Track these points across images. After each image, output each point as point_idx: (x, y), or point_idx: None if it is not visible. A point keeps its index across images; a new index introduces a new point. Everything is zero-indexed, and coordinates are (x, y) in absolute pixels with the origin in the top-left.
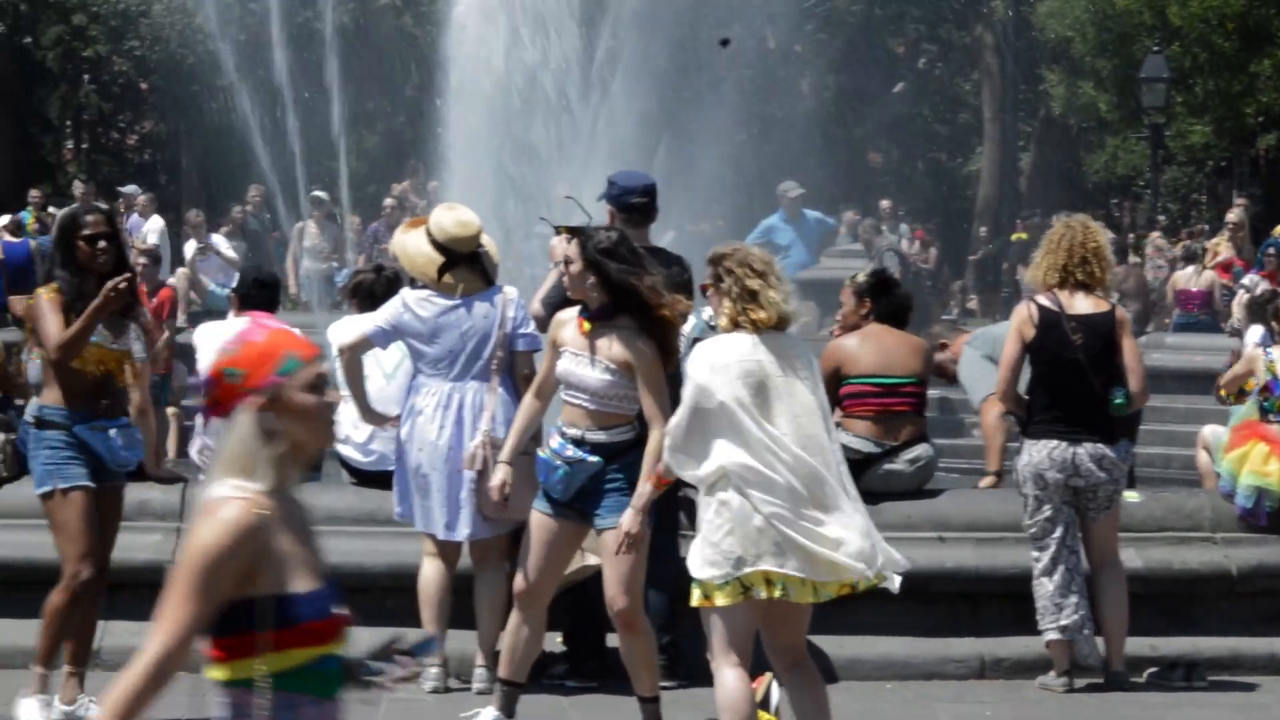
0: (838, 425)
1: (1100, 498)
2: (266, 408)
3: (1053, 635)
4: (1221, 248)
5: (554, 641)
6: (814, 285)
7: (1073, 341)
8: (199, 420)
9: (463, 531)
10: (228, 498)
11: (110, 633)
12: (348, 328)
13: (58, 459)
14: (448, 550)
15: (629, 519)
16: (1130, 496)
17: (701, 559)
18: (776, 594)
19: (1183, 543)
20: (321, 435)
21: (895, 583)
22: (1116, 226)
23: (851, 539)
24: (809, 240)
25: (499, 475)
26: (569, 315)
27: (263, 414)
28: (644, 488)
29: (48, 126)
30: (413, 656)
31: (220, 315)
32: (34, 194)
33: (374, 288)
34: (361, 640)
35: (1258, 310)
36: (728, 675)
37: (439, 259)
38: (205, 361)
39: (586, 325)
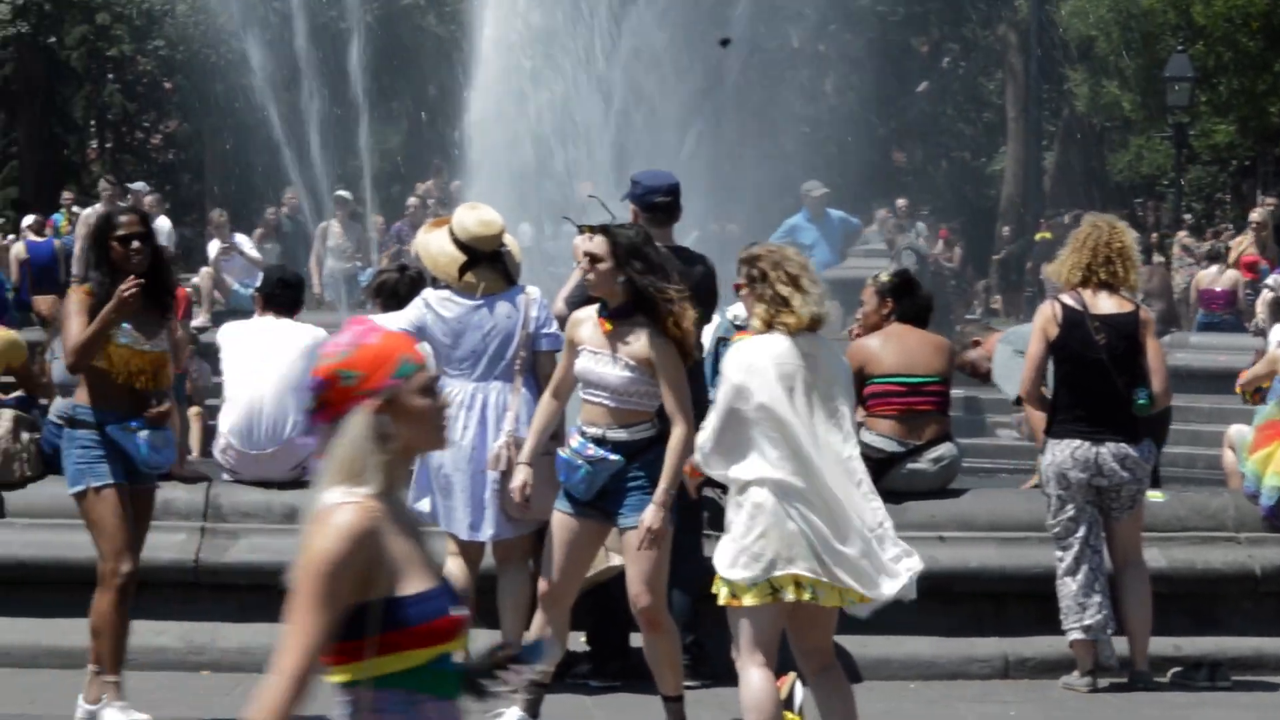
0: (860, 425)
1: (1123, 497)
2: (383, 411)
3: (1076, 635)
4: (1245, 247)
5: (578, 641)
6: (838, 285)
7: (1096, 341)
8: (222, 419)
9: (486, 532)
10: (339, 503)
11: (134, 632)
12: None
13: (89, 458)
14: (471, 550)
15: (651, 515)
16: (1154, 496)
17: (731, 559)
18: (805, 597)
19: (1206, 543)
20: (434, 438)
21: (864, 610)
22: (1140, 226)
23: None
24: (833, 239)
25: (519, 476)
26: (586, 314)
27: (379, 417)
28: (665, 484)
29: (72, 126)
30: (523, 662)
31: (244, 315)
32: (66, 196)
33: (397, 287)
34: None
35: None
36: (753, 675)
37: (461, 258)
38: (239, 361)
39: (608, 324)
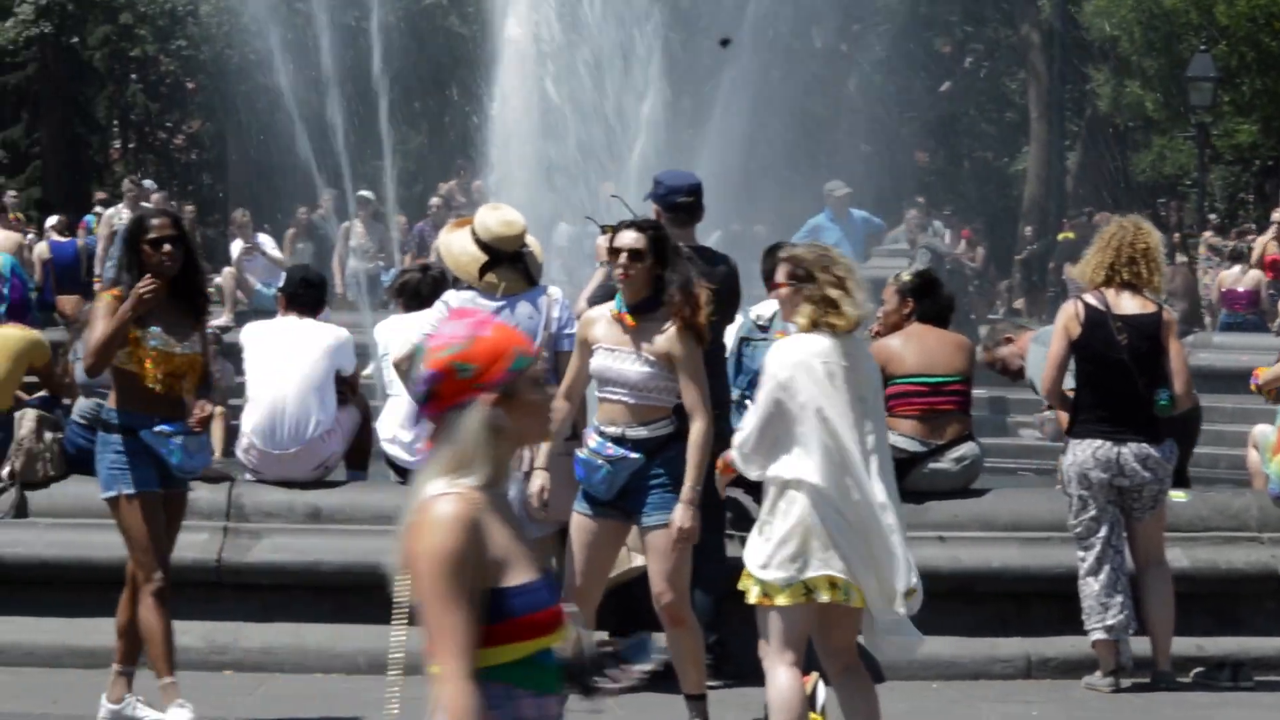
0: None
1: (1145, 497)
2: (498, 404)
3: (1099, 635)
4: (1269, 246)
5: (600, 640)
6: None
7: (1118, 341)
8: (244, 419)
9: None
10: (442, 494)
11: None
12: (394, 327)
13: (122, 464)
14: None
15: (682, 514)
16: (1177, 496)
17: (765, 558)
18: (840, 598)
19: (1229, 543)
20: (543, 431)
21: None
22: (1163, 226)
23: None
24: (855, 239)
25: (536, 481)
26: (599, 313)
27: (494, 411)
28: (692, 481)
29: (95, 126)
30: (627, 661)
31: (267, 314)
32: (99, 196)
33: (420, 287)
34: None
35: None
36: (781, 675)
37: (483, 258)
38: (262, 361)
39: (631, 319)
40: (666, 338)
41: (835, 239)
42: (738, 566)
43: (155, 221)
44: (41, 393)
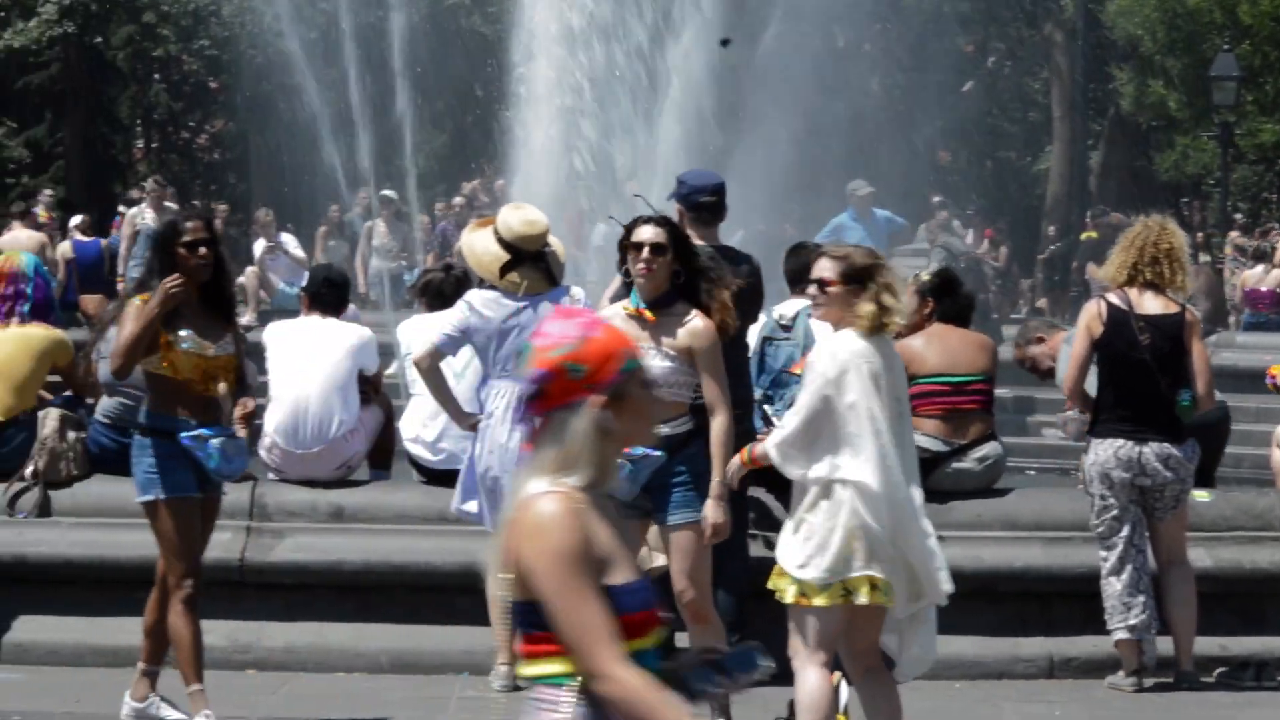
0: None
1: (1167, 497)
2: (607, 405)
3: (1121, 635)
4: None
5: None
6: None
7: (1140, 341)
8: (267, 418)
9: None
10: (545, 492)
11: None
12: (417, 327)
13: (160, 468)
14: None
15: (713, 510)
16: (1200, 496)
17: (804, 558)
18: (881, 599)
19: (1253, 542)
20: (649, 433)
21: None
22: (1187, 225)
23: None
24: (878, 239)
25: None
26: (612, 311)
27: (603, 412)
28: (719, 476)
29: (118, 126)
30: (733, 668)
31: (290, 314)
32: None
33: (443, 287)
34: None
35: None
36: (812, 675)
37: (505, 257)
38: (285, 360)
39: (650, 314)
40: (687, 331)
41: (858, 238)
42: (760, 565)
43: (189, 225)
44: (65, 392)
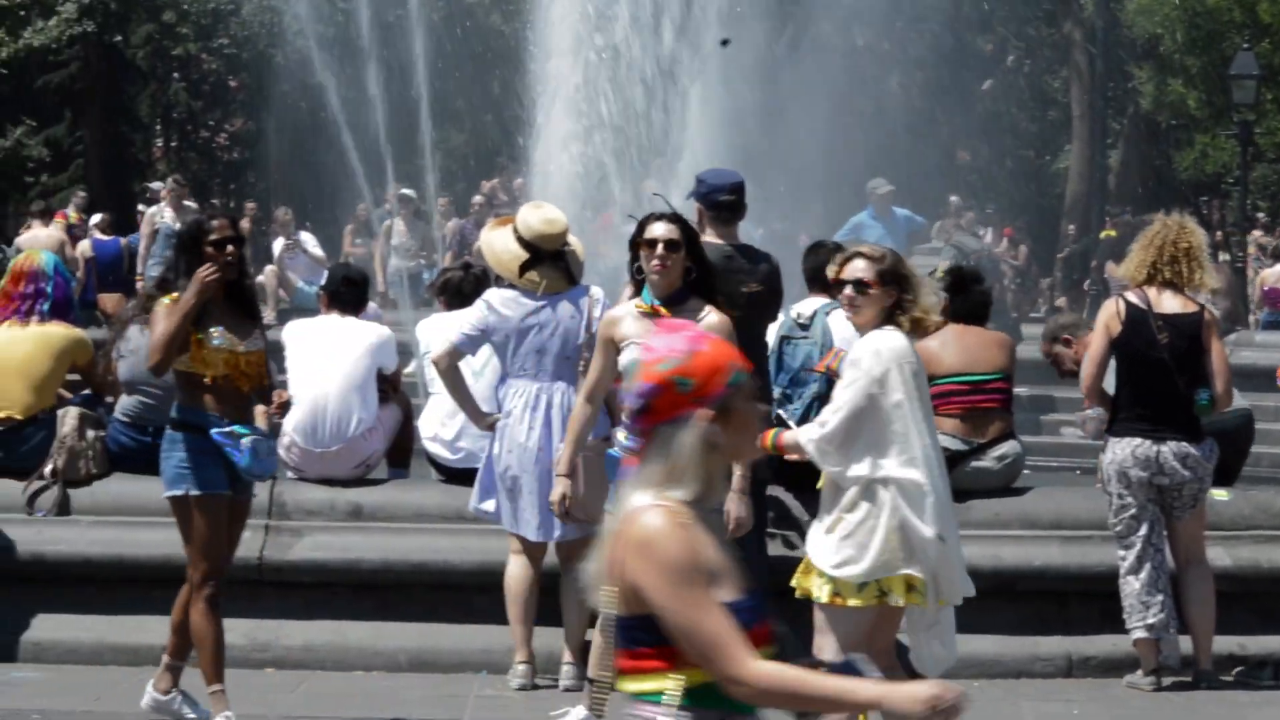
0: None
1: (1185, 496)
2: (714, 419)
3: (1140, 633)
4: None
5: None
6: None
7: (1158, 340)
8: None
9: (554, 533)
10: (651, 506)
11: None
12: (436, 325)
13: (191, 464)
14: (534, 549)
15: (735, 504)
16: (1218, 495)
17: (841, 557)
18: (916, 600)
19: (1272, 541)
20: (754, 447)
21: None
22: (1206, 224)
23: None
24: (897, 237)
25: (558, 488)
26: (622, 311)
27: (710, 426)
28: (741, 470)
29: (137, 125)
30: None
31: (309, 312)
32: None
33: (462, 285)
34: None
35: None
36: None
37: (524, 256)
38: (304, 359)
39: (665, 310)
40: (704, 327)
41: (877, 236)
42: (778, 564)
43: (215, 224)
44: (84, 391)
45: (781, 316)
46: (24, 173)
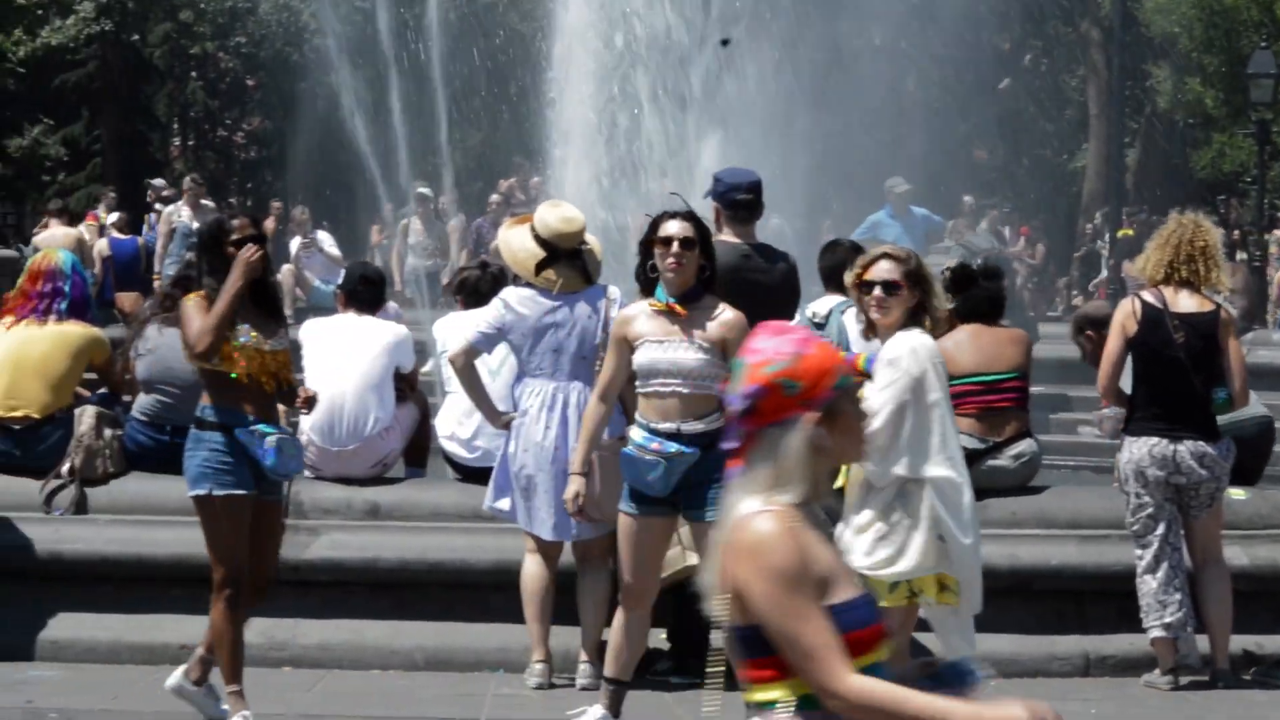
0: None
1: (1202, 495)
2: (821, 422)
3: (1157, 633)
4: None
5: (658, 638)
6: None
7: (1174, 339)
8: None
9: (570, 532)
10: (759, 512)
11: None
12: (453, 324)
13: (215, 463)
14: (550, 547)
15: None
16: (1236, 494)
17: (879, 558)
18: (949, 600)
19: None
20: (861, 450)
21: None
22: (1223, 223)
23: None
24: (915, 236)
25: (572, 487)
26: (636, 310)
27: (817, 430)
28: None
29: (155, 124)
30: (948, 685)
31: (325, 312)
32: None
33: (479, 284)
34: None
35: None
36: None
37: (541, 254)
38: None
39: (681, 308)
40: (720, 323)
41: (894, 235)
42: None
43: (236, 223)
44: (101, 390)
45: (799, 315)
46: (41, 171)
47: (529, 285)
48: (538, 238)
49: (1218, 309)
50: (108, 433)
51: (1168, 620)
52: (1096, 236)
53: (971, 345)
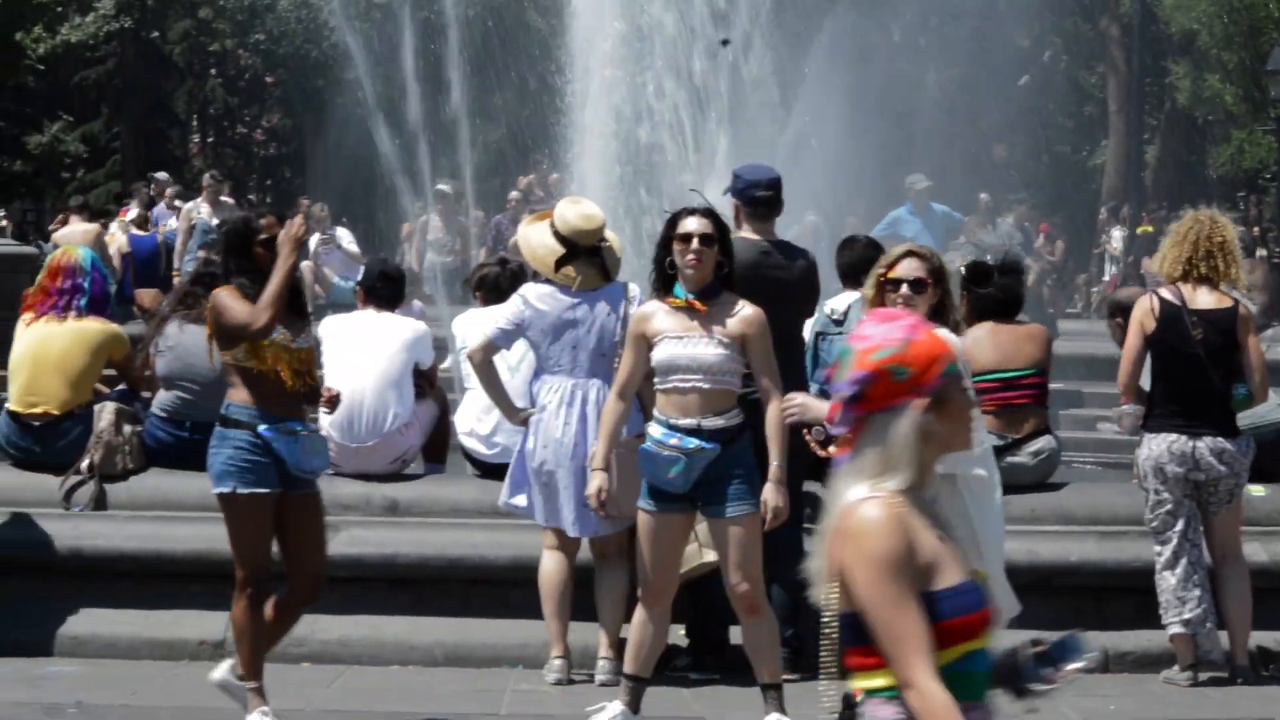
0: None
1: (1221, 492)
2: (929, 409)
3: (1176, 629)
4: None
5: (676, 634)
6: None
7: (1193, 336)
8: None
9: (590, 528)
10: (866, 499)
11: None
12: (472, 321)
13: (240, 460)
14: (568, 543)
15: (774, 495)
16: (1255, 490)
17: None
18: None
19: None
20: (969, 437)
21: None
22: (1243, 220)
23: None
24: (935, 233)
25: (595, 482)
26: (653, 307)
27: (925, 416)
28: (779, 460)
29: (174, 121)
30: (1057, 664)
31: (344, 308)
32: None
33: (499, 281)
34: (485, 631)
35: None
36: None
37: (560, 251)
38: (340, 355)
39: (701, 304)
40: (739, 319)
41: (914, 232)
42: None
43: (263, 221)
44: (120, 386)
45: (818, 313)
46: (61, 168)
47: (548, 281)
48: (557, 234)
49: (1236, 305)
50: (127, 429)
51: (1187, 616)
52: (1102, 230)
53: (990, 342)
